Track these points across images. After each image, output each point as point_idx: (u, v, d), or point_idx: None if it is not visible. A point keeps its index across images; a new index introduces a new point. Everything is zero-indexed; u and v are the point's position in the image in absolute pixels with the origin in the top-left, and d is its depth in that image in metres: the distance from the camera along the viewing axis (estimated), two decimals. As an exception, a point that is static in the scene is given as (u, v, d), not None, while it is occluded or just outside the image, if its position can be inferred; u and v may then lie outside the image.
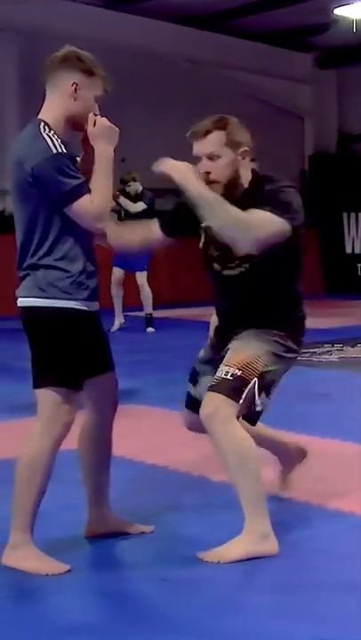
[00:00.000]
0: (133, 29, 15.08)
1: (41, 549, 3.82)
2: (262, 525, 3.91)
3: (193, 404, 4.19)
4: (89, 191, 3.74)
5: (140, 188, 11.64)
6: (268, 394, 3.99)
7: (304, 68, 18.06)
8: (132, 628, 3.30)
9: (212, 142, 3.96)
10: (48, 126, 3.75)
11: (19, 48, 14.25)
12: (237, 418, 3.90)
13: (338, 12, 14.33)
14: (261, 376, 3.94)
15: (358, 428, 6.19)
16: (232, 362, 3.94)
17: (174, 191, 4.09)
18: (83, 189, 3.72)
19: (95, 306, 3.88)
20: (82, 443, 4.08)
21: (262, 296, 4.07)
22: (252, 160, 4.10)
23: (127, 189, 11.64)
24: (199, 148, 3.99)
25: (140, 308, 11.97)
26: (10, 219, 3.99)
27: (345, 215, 17.74)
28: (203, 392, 4.06)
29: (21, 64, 13.89)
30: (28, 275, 3.80)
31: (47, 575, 3.72)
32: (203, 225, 4.07)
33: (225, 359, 3.98)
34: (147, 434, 6.18)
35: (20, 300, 3.84)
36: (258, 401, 3.95)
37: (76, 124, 3.84)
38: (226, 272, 4.11)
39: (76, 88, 3.78)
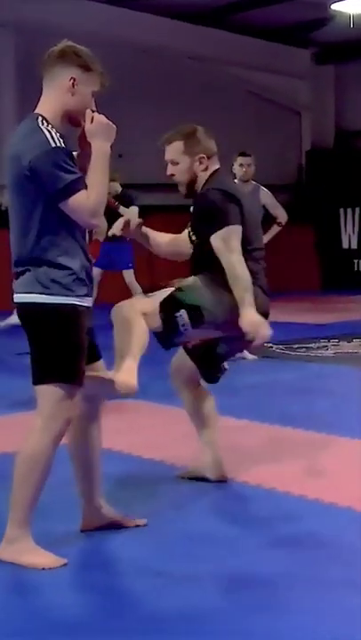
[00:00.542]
0: (132, 25, 15.08)
1: (37, 543, 3.83)
2: None
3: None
4: (85, 187, 3.75)
5: (120, 189, 11.41)
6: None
7: (302, 63, 18.07)
8: (126, 625, 3.30)
9: (172, 150, 4.71)
10: (46, 120, 3.75)
11: (16, 43, 14.24)
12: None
13: (335, 7, 14.31)
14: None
15: (354, 422, 6.20)
16: None
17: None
18: (79, 185, 3.72)
19: (90, 301, 3.90)
20: (72, 434, 4.06)
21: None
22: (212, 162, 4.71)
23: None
24: (166, 154, 4.74)
25: None
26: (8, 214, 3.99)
27: (342, 211, 17.75)
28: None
29: (19, 59, 13.88)
30: (28, 270, 3.78)
31: (43, 569, 3.73)
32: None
33: None
34: (143, 429, 6.19)
35: (19, 295, 3.82)
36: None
37: (72, 119, 3.84)
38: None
39: (73, 83, 3.78)
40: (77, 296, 3.78)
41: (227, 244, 4.49)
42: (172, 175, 4.72)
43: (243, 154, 8.71)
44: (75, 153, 3.86)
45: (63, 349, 3.77)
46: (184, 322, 4.48)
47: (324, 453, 5.44)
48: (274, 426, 6.14)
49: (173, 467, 5.15)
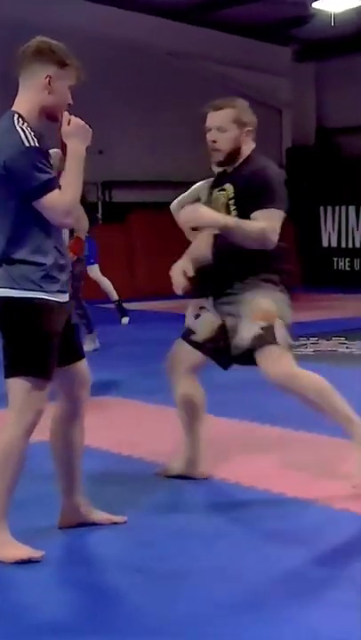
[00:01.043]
0: (113, 22, 15.05)
1: (16, 539, 3.82)
2: None
3: (188, 334, 4.76)
4: (59, 187, 3.77)
5: None
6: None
7: (283, 61, 18.06)
8: (106, 625, 3.29)
9: (222, 117, 4.62)
10: (22, 118, 3.77)
11: (-1, 39, 14.18)
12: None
13: (316, 5, 14.34)
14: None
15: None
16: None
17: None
18: (53, 184, 3.76)
19: (65, 297, 3.93)
20: (54, 432, 4.09)
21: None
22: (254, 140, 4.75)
23: None
24: (211, 119, 4.64)
25: (106, 301, 11.84)
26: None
27: (322, 209, 17.77)
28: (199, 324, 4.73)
29: (1, 55, 13.81)
30: (0, 266, 3.83)
31: (21, 561, 3.74)
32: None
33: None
34: (123, 426, 6.19)
35: None
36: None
37: (50, 115, 3.87)
38: None
39: (49, 80, 3.81)
40: (46, 292, 3.81)
41: (270, 222, 4.55)
42: (214, 142, 4.65)
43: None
44: (53, 150, 3.88)
45: (31, 343, 3.81)
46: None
47: (302, 451, 5.46)
48: (252, 423, 6.16)
49: (153, 464, 5.16)
